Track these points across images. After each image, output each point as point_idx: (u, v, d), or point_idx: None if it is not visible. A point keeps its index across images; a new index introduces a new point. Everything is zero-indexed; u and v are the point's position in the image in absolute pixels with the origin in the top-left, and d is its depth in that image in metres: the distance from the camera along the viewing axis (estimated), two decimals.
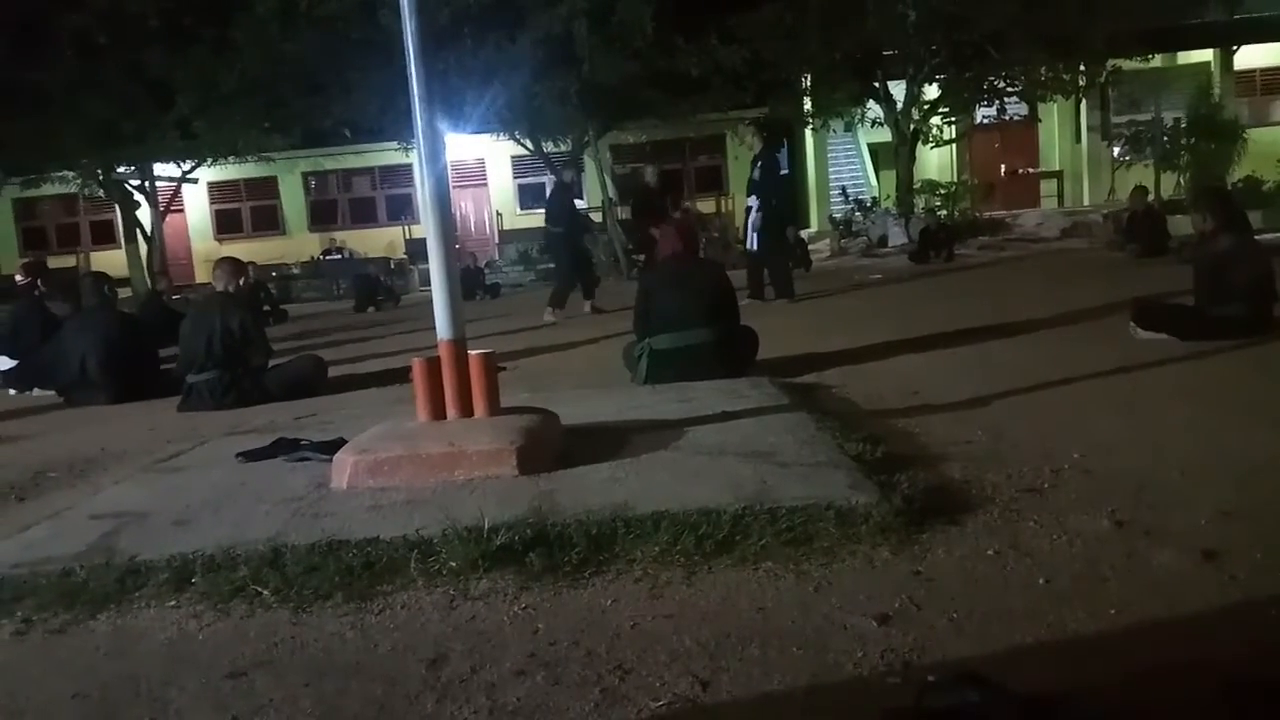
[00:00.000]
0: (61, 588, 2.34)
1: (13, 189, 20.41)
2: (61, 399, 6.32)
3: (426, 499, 2.80)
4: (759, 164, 9.48)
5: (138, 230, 20.11)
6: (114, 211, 21.36)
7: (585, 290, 10.19)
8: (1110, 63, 17.32)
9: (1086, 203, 19.86)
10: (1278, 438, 3.08)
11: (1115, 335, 5.36)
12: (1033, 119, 20.95)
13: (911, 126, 17.70)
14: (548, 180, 21.84)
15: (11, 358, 7.17)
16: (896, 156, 18.16)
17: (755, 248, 9.45)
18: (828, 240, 18.71)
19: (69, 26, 16.13)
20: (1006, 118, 19.49)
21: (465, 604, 2.14)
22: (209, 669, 1.91)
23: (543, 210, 22.81)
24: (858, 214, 18.98)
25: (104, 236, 23.56)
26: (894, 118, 17.64)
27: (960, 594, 2.01)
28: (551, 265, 10.42)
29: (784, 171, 10.96)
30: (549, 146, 18.24)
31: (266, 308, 13.28)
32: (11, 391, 7.02)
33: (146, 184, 20.22)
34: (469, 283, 14.15)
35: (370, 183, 24.61)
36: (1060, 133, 20.97)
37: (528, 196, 23.96)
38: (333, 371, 6.25)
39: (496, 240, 23.03)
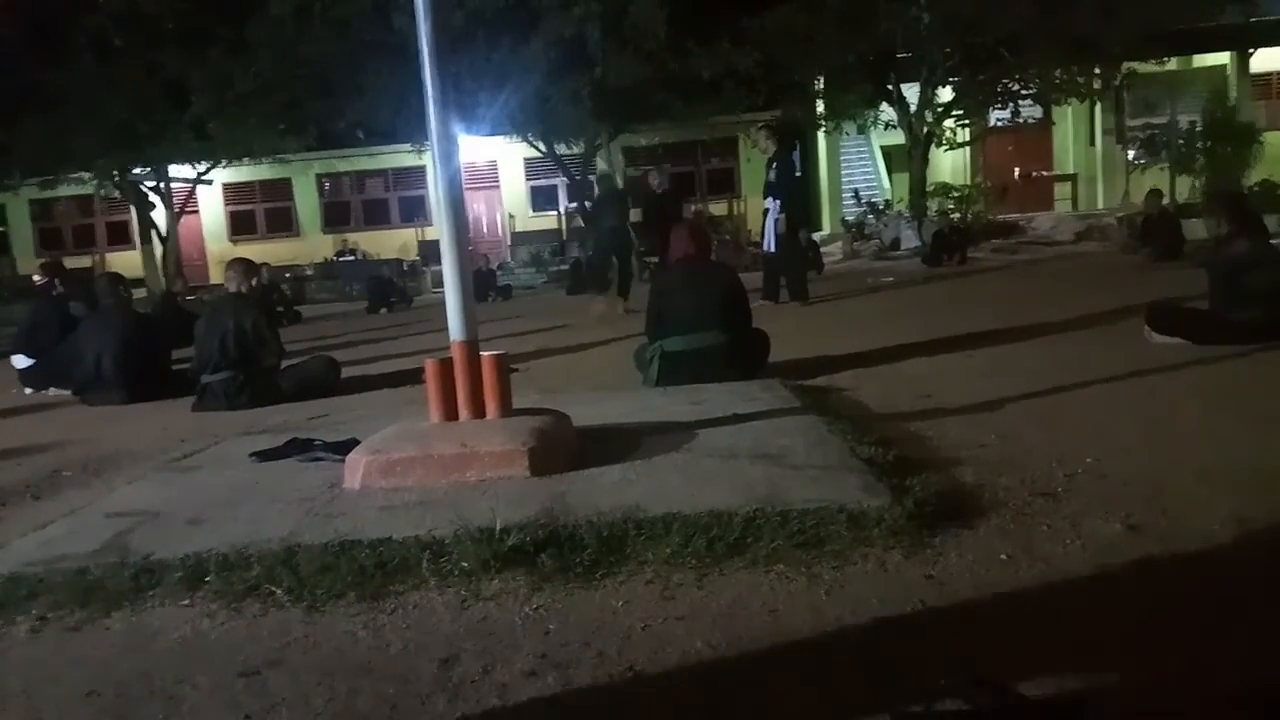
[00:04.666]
0: (77, 586, 2.36)
1: (29, 190, 20.58)
2: (77, 398, 6.36)
3: (439, 499, 2.81)
4: (774, 166, 9.47)
5: (153, 231, 20.25)
6: (129, 212, 21.52)
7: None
8: (1125, 65, 17.24)
9: (1101, 206, 19.76)
10: None
11: (1130, 339, 5.33)
12: (1047, 122, 20.88)
13: (925, 129, 17.65)
14: (560, 182, 21.92)
15: (29, 356, 7.22)
16: (910, 159, 18.11)
17: (772, 249, 9.45)
18: (840, 243, 18.68)
19: (85, 28, 16.25)
20: (1020, 120, 19.44)
21: (477, 604, 2.14)
22: (222, 667, 1.92)
23: (554, 213, 23.01)
24: (870, 217, 18.95)
25: (119, 237, 23.74)
26: (907, 120, 17.60)
27: (973, 598, 2.00)
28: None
29: (798, 174, 10.91)
30: (561, 149, 18.27)
31: (280, 308, 13.36)
32: (28, 390, 7.07)
33: (162, 185, 20.36)
34: (481, 284, 14.20)
35: (383, 185, 24.73)
36: (1075, 136, 20.88)
37: (540, 199, 24.04)
38: (345, 372, 6.27)
39: (509, 242, 23.09)
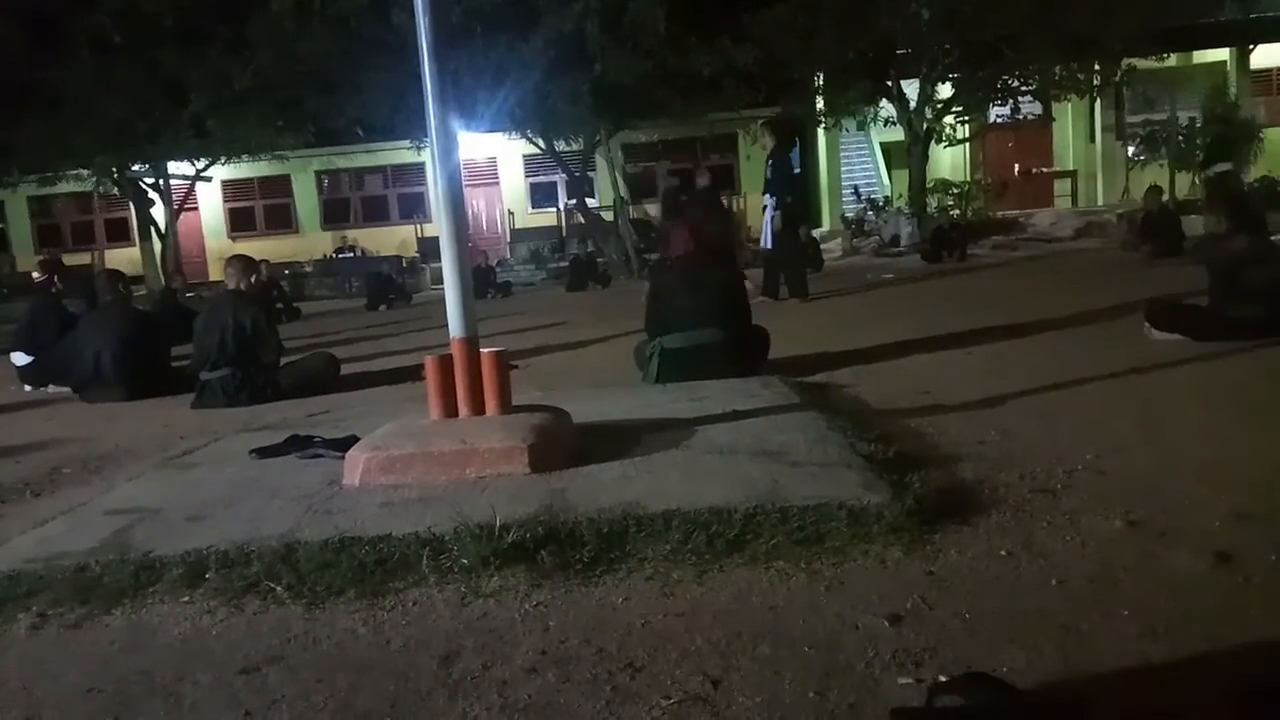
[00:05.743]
0: (77, 583, 2.36)
1: (28, 186, 20.56)
2: (76, 395, 6.36)
3: (438, 496, 2.81)
4: (770, 162, 9.50)
5: (152, 228, 20.23)
6: (128, 209, 21.51)
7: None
8: (1125, 62, 17.21)
9: (1100, 203, 19.74)
10: None
11: (1129, 336, 5.33)
12: (1047, 118, 20.84)
13: (925, 125, 17.62)
14: (559, 179, 21.91)
15: (28, 354, 7.22)
16: (909, 155, 18.08)
17: (769, 246, 9.47)
18: (840, 239, 18.66)
19: (84, 26, 16.23)
20: (1020, 117, 19.37)
21: (477, 601, 2.15)
22: (222, 664, 1.93)
23: (553, 209, 22.97)
24: (870, 213, 18.93)
25: (118, 234, 23.72)
26: (907, 116, 17.57)
27: (972, 594, 2.01)
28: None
29: (797, 170, 10.91)
30: (561, 145, 18.26)
31: (279, 305, 13.34)
32: (27, 388, 7.07)
33: (161, 182, 20.34)
34: (481, 281, 14.19)
35: (383, 181, 24.71)
36: (1074, 132, 20.85)
37: (539, 195, 24.01)
38: (345, 369, 6.27)
39: (508, 239, 23.08)
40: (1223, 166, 12.66)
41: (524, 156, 23.10)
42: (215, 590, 2.27)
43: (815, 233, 17.64)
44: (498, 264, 19.36)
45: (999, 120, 20.09)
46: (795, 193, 9.93)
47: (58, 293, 7.95)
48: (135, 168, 19.74)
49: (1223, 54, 19.84)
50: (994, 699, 1.50)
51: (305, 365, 6.01)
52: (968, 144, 19.23)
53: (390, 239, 23.41)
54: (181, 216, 21.48)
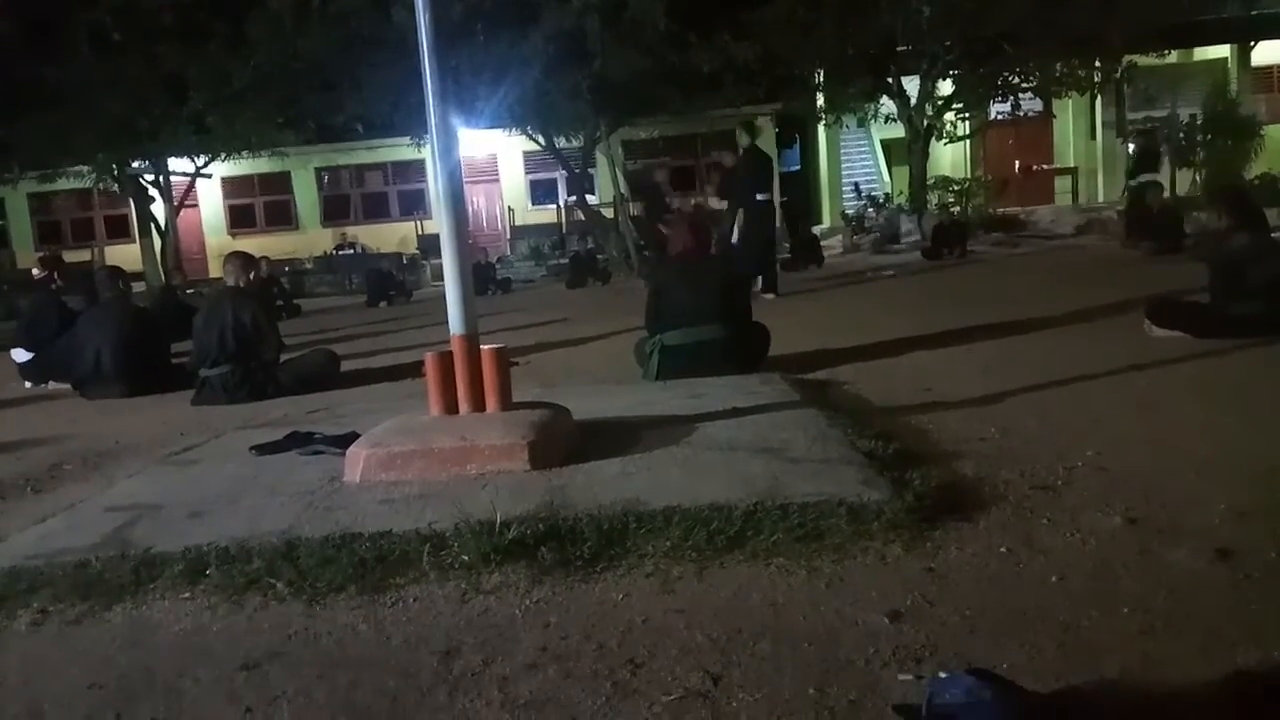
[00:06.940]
0: (77, 579, 2.36)
1: (28, 183, 20.55)
2: (76, 392, 6.36)
3: (439, 493, 2.81)
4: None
5: (152, 225, 20.22)
6: (128, 206, 21.49)
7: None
8: (1126, 58, 17.20)
9: (1101, 199, 19.73)
10: None
11: (1130, 333, 5.33)
12: (1047, 115, 20.83)
13: (925, 122, 17.62)
14: (559, 176, 21.90)
15: (28, 350, 7.22)
16: (910, 152, 18.09)
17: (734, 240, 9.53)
18: (840, 236, 18.67)
19: (85, 23, 16.22)
20: (1021, 114, 19.38)
21: (477, 597, 2.15)
22: (223, 660, 1.93)
23: (553, 206, 22.94)
24: (870, 210, 18.93)
25: (118, 231, 23.70)
26: (908, 113, 17.56)
27: (972, 591, 2.01)
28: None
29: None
30: (561, 142, 18.25)
31: (279, 302, 13.35)
32: (28, 384, 7.07)
33: (160, 179, 20.33)
34: (481, 278, 14.20)
35: (383, 178, 24.68)
36: (1075, 129, 20.84)
37: (540, 192, 24.00)
38: (345, 366, 6.27)
39: (508, 236, 23.07)
40: (1147, 177, 12.78)
41: (524, 153, 23.07)
42: (216, 587, 2.27)
43: (816, 229, 17.65)
44: (498, 261, 19.36)
45: (1000, 117, 20.09)
46: (757, 188, 9.79)
47: (58, 289, 7.95)
48: (135, 164, 19.73)
49: (1224, 51, 19.82)
50: (994, 695, 1.50)
51: (305, 362, 6.01)
52: (968, 141, 19.23)
53: (390, 236, 23.40)
54: (181, 213, 21.45)
